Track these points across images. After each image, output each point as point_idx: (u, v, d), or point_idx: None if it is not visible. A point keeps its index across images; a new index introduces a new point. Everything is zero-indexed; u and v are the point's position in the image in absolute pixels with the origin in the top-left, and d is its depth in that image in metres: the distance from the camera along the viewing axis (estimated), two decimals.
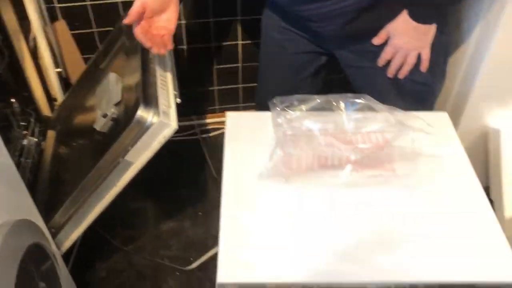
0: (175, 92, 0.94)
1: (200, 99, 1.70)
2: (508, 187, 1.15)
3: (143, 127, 0.83)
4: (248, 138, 0.90)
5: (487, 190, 1.16)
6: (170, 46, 0.90)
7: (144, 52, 0.97)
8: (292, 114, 0.86)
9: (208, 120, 1.74)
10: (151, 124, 0.83)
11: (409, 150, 0.84)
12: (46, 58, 1.28)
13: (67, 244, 0.99)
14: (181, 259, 1.33)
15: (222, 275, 0.68)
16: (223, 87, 1.68)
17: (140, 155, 0.86)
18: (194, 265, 1.28)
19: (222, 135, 1.73)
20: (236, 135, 0.91)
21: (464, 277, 0.68)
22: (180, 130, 1.69)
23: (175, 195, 1.53)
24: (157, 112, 0.83)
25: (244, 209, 0.77)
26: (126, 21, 0.86)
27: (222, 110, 1.73)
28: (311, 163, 0.84)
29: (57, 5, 1.33)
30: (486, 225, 0.75)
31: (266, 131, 0.88)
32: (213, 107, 1.73)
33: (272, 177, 0.82)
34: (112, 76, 1.07)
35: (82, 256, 1.33)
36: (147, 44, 0.87)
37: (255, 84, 1.70)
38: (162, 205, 1.50)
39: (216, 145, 1.67)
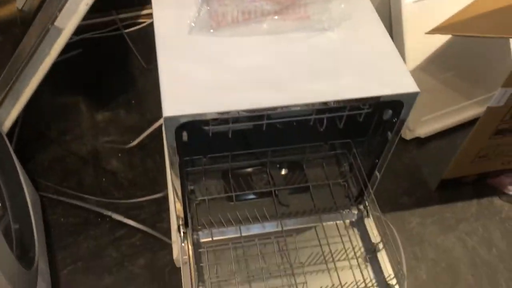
0: None
1: None
2: (408, 44, 1.31)
3: None
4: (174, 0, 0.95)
5: None
6: None
7: None
8: None
9: (129, 14, 1.73)
10: None
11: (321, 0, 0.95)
12: None
13: (8, 123, 1.02)
14: (120, 142, 1.40)
15: (167, 109, 0.77)
16: None
17: (69, 20, 0.89)
18: (134, 143, 1.35)
19: (145, 28, 1.75)
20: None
21: (370, 92, 0.82)
22: (102, 26, 1.71)
23: (106, 88, 1.56)
24: None
25: (179, 58, 0.85)
26: None
27: (141, 3, 1.73)
28: (236, 16, 0.92)
29: None
30: (387, 53, 0.89)
31: None
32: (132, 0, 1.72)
33: (201, 31, 0.89)
34: None
35: (21, 152, 1.36)
36: None
37: None
38: (95, 98, 1.53)
39: (141, 38, 1.69)
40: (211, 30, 0.89)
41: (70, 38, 1.65)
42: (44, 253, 1.14)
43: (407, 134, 1.44)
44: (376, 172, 1.02)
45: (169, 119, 0.77)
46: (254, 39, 0.89)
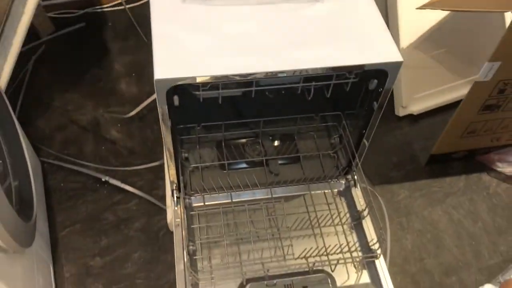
0: None
1: None
2: (403, 20, 1.34)
3: None
4: None
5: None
6: None
7: None
8: None
9: None
10: None
11: None
12: None
13: (4, 79, 1.06)
14: (120, 113, 1.44)
15: (158, 72, 0.80)
16: None
17: None
18: (133, 113, 1.40)
19: (147, 4, 1.78)
20: None
21: (355, 61, 0.85)
22: (105, 1, 1.74)
23: (108, 60, 1.60)
24: None
25: (172, 25, 0.88)
26: None
27: None
28: None
29: None
30: (373, 24, 0.91)
31: None
32: None
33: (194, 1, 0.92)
34: None
35: (24, 119, 1.40)
36: None
37: None
38: (97, 70, 1.57)
39: (143, 13, 1.72)
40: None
41: (74, 12, 1.70)
42: (44, 215, 1.19)
43: (400, 111, 1.47)
44: (364, 140, 1.05)
45: (159, 82, 0.81)
46: (245, 8, 0.92)
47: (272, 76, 0.85)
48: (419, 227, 1.26)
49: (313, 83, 0.93)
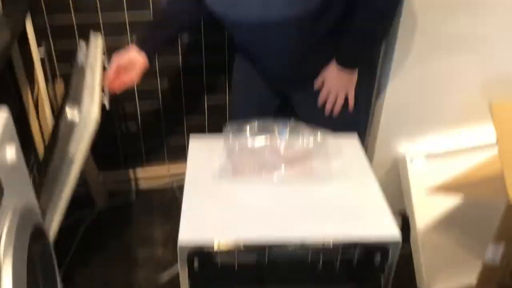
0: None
1: (173, 147, 1.99)
2: (417, 204, 1.44)
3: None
4: (206, 152, 1.18)
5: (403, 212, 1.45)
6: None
7: None
8: (240, 135, 1.16)
9: (180, 170, 2.00)
10: None
11: (323, 158, 1.15)
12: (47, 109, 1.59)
13: (55, 226, 1.22)
14: (155, 278, 1.54)
15: (181, 238, 0.93)
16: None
17: None
18: (165, 278, 1.48)
19: None
20: (197, 151, 1.19)
21: (357, 239, 0.95)
22: (154, 179, 1.97)
23: (150, 231, 1.76)
24: None
25: (201, 198, 1.04)
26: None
27: None
28: (253, 168, 1.13)
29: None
30: (375, 205, 1.03)
31: (220, 148, 1.17)
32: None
33: (223, 178, 1.10)
34: None
35: (65, 277, 1.53)
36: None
37: None
38: (139, 239, 1.73)
39: None
40: (231, 178, 1.09)
41: (127, 189, 1.94)
42: None
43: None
44: None
45: (182, 245, 0.94)
46: (264, 186, 1.08)
47: (280, 248, 0.96)
48: None
49: (321, 255, 1.02)
